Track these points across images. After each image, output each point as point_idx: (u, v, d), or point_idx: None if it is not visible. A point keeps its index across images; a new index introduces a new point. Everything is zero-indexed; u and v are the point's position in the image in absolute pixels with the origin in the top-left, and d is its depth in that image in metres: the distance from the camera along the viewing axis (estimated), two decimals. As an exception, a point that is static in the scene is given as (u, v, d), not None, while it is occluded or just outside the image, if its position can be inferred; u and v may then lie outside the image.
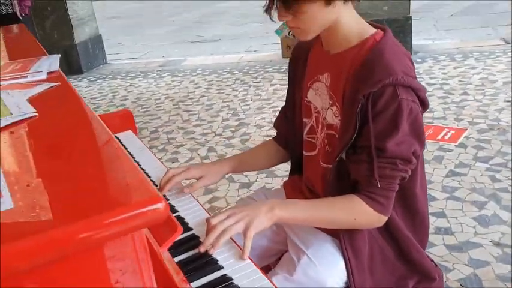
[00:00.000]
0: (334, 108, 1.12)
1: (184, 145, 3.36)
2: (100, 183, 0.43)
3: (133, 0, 13.78)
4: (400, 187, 1.09)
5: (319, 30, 1.08)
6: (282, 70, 4.99)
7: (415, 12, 6.90)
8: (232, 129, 3.55)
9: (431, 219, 2.19)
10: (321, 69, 1.17)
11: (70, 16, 5.87)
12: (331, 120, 1.13)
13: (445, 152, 2.81)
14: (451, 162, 2.69)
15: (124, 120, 1.71)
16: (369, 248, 1.13)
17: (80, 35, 6.05)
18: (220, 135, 3.47)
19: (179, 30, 8.82)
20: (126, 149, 1.49)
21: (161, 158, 3.14)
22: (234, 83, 4.75)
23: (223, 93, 4.47)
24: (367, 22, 1.12)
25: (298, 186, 1.31)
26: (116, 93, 4.96)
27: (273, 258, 1.28)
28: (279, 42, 5.45)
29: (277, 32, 5.89)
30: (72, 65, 6.00)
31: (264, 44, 6.80)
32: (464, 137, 2.96)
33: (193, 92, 4.63)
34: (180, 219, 1.06)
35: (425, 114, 3.35)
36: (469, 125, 3.12)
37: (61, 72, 0.85)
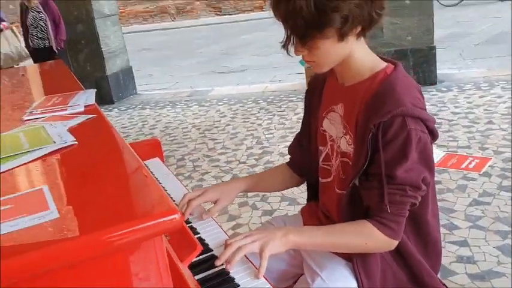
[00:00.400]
0: (347, 137, 1.18)
1: (209, 172, 3.45)
2: (129, 198, 0.51)
3: (164, 33, 14.24)
4: (412, 214, 1.13)
5: (333, 64, 1.15)
6: (307, 99, 5.07)
7: (440, 41, 6.96)
8: (256, 157, 3.63)
9: (453, 247, 2.20)
10: (336, 100, 1.24)
11: (102, 49, 6.14)
12: (345, 148, 1.19)
13: (469, 181, 2.81)
14: (475, 191, 2.68)
15: (152, 148, 1.80)
16: (382, 271, 1.17)
17: (112, 66, 6.30)
18: (244, 163, 3.55)
19: (207, 62, 9.07)
20: (153, 174, 1.58)
21: (187, 185, 3.24)
22: (259, 112, 4.86)
23: (247, 122, 4.57)
24: (379, 56, 1.19)
25: (315, 212, 1.36)
26: (145, 123, 5.13)
27: (290, 281, 1.33)
28: (303, 72, 5.57)
29: (301, 62, 5.91)
30: (103, 96, 6.24)
31: (288, 73, 6.94)
32: (489, 166, 2.96)
33: (219, 120, 4.75)
34: (201, 240, 1.13)
35: (450, 143, 3.38)
36: (494, 154, 3.11)
37: (97, 105, 0.94)
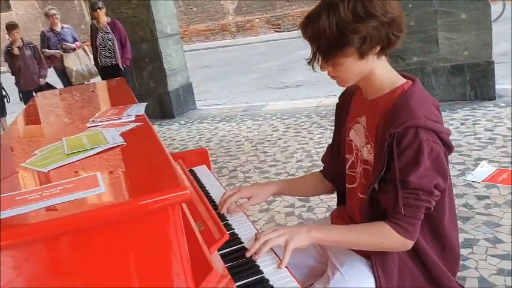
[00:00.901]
0: (368, 146, 1.30)
1: (274, 195, 3.60)
2: (155, 179, 0.69)
3: (224, 50, 14.71)
4: (429, 217, 1.22)
5: (356, 79, 1.27)
6: (359, 114, 5.13)
7: (502, 55, 6.76)
8: (305, 170, 3.74)
9: (495, 260, 2.21)
10: (360, 113, 1.35)
11: (165, 67, 6.53)
12: (367, 156, 1.31)
13: (518, 196, 2.78)
14: (523, 206, 2.65)
15: (200, 157, 1.99)
16: (399, 270, 1.26)
17: (173, 83, 6.67)
18: (293, 175, 3.67)
19: (263, 77, 9.30)
20: (199, 178, 1.76)
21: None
22: (311, 126, 4.97)
23: (299, 135, 4.70)
24: (399, 73, 1.30)
25: (342, 215, 1.47)
26: (202, 136, 5.39)
27: (318, 278, 1.44)
28: (357, 87, 5.63)
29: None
30: (165, 110, 6.61)
31: (343, 88, 6.99)
32: (541, 182, 2.90)
33: (271, 134, 4.92)
34: (235, 234, 1.28)
35: (503, 159, 3.34)
36: (547, 170, 3.05)
37: (145, 115, 1.13)
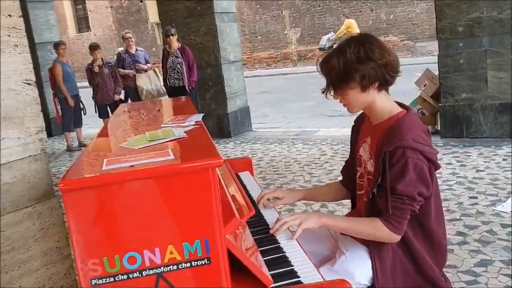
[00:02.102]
0: (371, 160, 1.63)
1: (300, 200, 3.94)
2: (203, 153, 1.09)
3: (284, 77, 15.23)
4: (418, 220, 1.54)
5: (360, 107, 1.62)
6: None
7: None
8: (345, 190, 4.04)
9: (505, 279, 2.42)
10: (367, 134, 1.70)
11: (226, 90, 7.07)
12: (370, 168, 1.64)
13: (542, 227, 2.95)
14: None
15: (245, 164, 2.39)
16: (392, 260, 1.57)
17: (232, 105, 7.19)
18: (333, 194, 3.98)
19: (318, 105, 9.64)
20: (242, 181, 2.15)
21: (281, 207, 3.75)
22: (357, 153, 5.25)
23: (344, 160, 4.99)
24: (398, 103, 1.63)
25: (353, 216, 1.81)
26: (255, 155, 5.81)
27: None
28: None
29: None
30: (223, 130, 7.13)
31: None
32: None
33: (319, 158, 5.25)
34: (264, 220, 1.66)
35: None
36: None
37: (202, 121, 1.56)
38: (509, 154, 4.55)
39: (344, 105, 1.64)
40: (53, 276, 1.57)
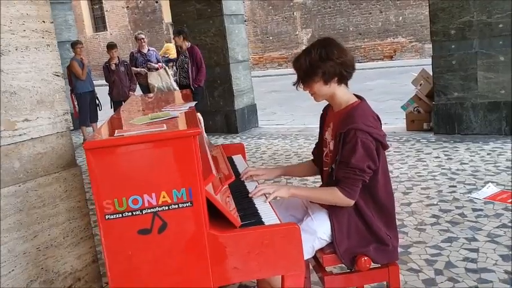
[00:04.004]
0: (332, 141, 1.99)
1: (280, 176, 4.31)
2: (187, 126, 1.48)
3: (293, 77, 15.55)
4: (368, 188, 1.89)
5: (324, 97, 1.98)
6: (402, 140, 5.68)
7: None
8: (337, 180, 4.39)
9: (465, 252, 2.76)
10: (330, 120, 2.05)
11: (233, 88, 7.45)
12: (332, 148, 2.00)
13: (507, 211, 3.27)
14: (508, 218, 3.15)
15: (238, 148, 2.76)
16: (348, 222, 1.93)
17: (239, 103, 7.57)
18: (326, 183, 4.33)
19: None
20: (233, 160, 2.52)
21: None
22: (353, 147, 5.59)
23: (340, 154, 5.34)
24: (354, 94, 1.99)
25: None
26: (259, 149, 6.18)
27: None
28: (405, 117, 6.20)
29: (402, 107, 6.61)
30: (230, 126, 7.52)
31: (396, 118, 7.49)
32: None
33: (317, 151, 5.60)
34: (245, 187, 2.03)
35: (510, 183, 3.79)
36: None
37: (194, 107, 1.96)
38: (494, 149, 4.85)
39: (311, 95, 2.00)
40: (74, 230, 1.96)
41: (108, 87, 7.92)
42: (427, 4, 5.96)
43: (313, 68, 1.88)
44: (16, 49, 1.75)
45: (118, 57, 7.86)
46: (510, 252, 2.69)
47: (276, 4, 18.97)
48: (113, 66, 7.65)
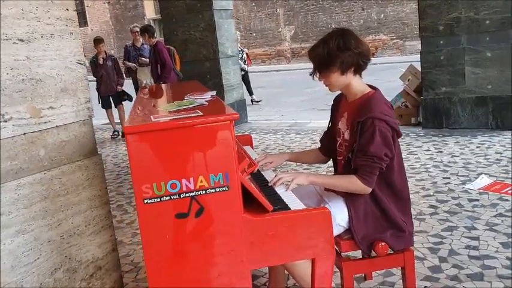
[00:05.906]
0: (348, 131, 2.04)
1: (287, 161, 4.36)
2: (222, 111, 1.51)
3: (278, 74, 15.62)
4: (384, 176, 1.94)
5: (340, 87, 2.03)
6: (390, 135, 5.79)
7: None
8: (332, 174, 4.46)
9: (466, 240, 2.85)
10: (344, 110, 2.10)
11: (223, 83, 7.47)
12: (347, 137, 2.05)
13: (502, 201, 3.39)
14: (503, 208, 3.26)
15: (246, 140, 2.79)
16: (364, 209, 1.98)
17: (229, 98, 7.59)
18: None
19: (311, 100, 10.09)
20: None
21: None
22: (345, 141, 5.68)
23: (333, 148, 5.42)
24: (367, 84, 2.04)
25: (336, 176, 2.22)
26: (250, 144, 6.22)
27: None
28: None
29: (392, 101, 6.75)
30: (220, 121, 7.52)
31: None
32: (527, 193, 3.49)
33: (310, 146, 5.67)
34: (263, 177, 2.07)
35: (501, 174, 3.93)
36: (536, 185, 3.62)
37: (216, 95, 1.99)
38: (483, 142, 5.00)
39: (326, 85, 2.04)
40: (96, 218, 1.97)
41: (96, 82, 7.83)
42: (409, 2, 6.07)
43: (332, 58, 1.92)
44: (42, 36, 1.75)
45: (105, 51, 7.78)
46: (510, 240, 2.79)
47: (259, 1, 19.00)
48: (101, 61, 7.57)
